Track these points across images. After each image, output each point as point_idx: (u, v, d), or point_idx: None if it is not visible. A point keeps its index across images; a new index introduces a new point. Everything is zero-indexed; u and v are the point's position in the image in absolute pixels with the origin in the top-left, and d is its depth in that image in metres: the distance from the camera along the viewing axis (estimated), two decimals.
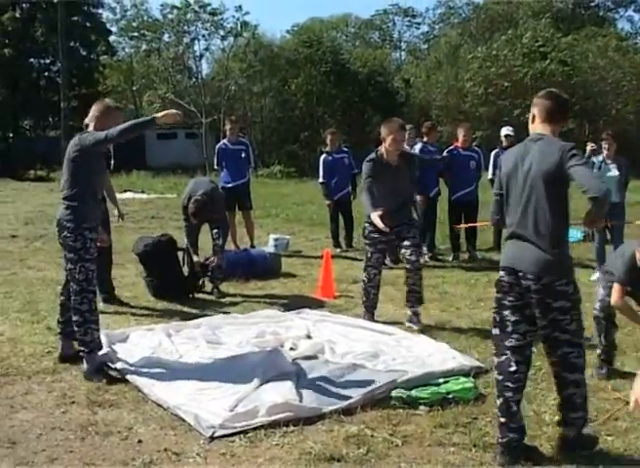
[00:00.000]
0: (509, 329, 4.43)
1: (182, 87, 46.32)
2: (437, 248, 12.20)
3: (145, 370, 5.94)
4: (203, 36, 46.00)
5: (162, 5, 45.94)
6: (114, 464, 4.42)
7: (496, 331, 4.52)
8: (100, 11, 47.56)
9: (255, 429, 4.86)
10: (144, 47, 48.82)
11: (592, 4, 55.31)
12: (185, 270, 9.25)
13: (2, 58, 40.26)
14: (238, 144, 12.55)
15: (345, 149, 13.12)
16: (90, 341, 6.00)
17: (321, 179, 12.76)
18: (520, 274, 4.33)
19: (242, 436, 4.77)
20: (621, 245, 6.36)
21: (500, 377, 4.46)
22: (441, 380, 5.66)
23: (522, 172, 4.38)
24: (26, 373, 6.02)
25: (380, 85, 45.55)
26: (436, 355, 6.36)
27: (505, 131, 12.36)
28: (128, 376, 5.84)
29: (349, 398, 5.31)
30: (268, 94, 45.26)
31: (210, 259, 9.22)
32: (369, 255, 7.67)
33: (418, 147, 11.84)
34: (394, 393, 5.43)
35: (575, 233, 12.17)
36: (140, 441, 4.75)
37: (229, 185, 12.02)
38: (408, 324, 7.50)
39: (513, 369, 4.41)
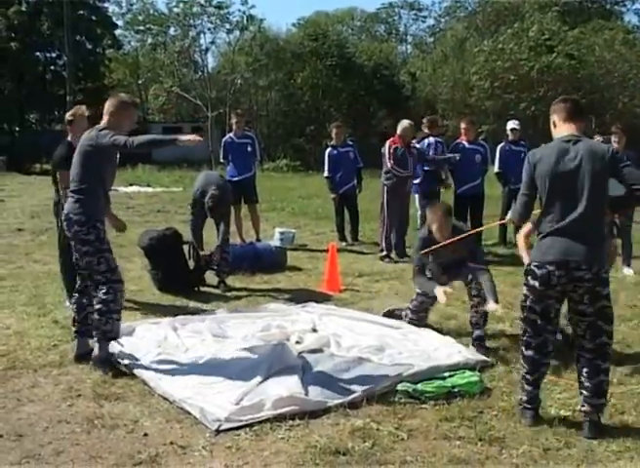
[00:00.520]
0: (552, 315, 4.84)
1: (188, 80, 46.41)
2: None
3: (151, 363, 5.94)
4: (209, 30, 46.11)
5: None
6: (120, 457, 4.42)
7: (533, 317, 4.84)
8: (105, 4, 47.70)
9: (260, 422, 4.86)
10: (150, 40, 48.88)
11: None
12: (191, 264, 9.25)
13: (8, 52, 40.32)
14: (244, 138, 12.54)
15: (351, 143, 13.11)
16: (109, 331, 5.96)
17: (326, 173, 12.76)
18: (573, 265, 4.63)
19: (248, 429, 4.78)
20: None
21: (538, 356, 4.89)
22: (447, 374, 5.66)
23: (568, 171, 4.66)
24: (33, 367, 6.03)
25: (386, 78, 45.51)
26: (442, 349, 6.35)
27: (512, 124, 12.37)
28: (134, 370, 5.84)
29: (355, 392, 5.31)
30: (274, 87, 45.29)
31: (215, 253, 9.21)
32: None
33: (430, 142, 11.85)
34: (400, 387, 5.43)
35: None
36: (145, 434, 4.76)
37: (235, 179, 12.01)
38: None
39: (548, 347, 4.90)
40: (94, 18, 45.53)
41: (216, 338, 6.63)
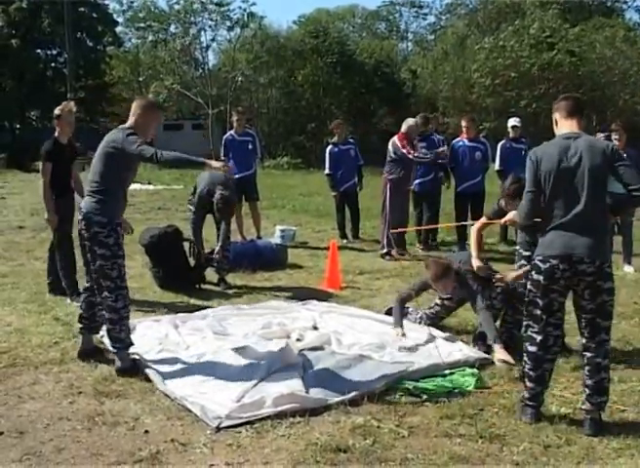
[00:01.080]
0: (555, 308, 4.86)
1: (189, 78, 46.31)
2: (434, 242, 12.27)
3: (152, 360, 5.95)
4: (210, 27, 45.97)
5: None
6: (121, 454, 4.43)
7: (537, 312, 4.87)
8: (106, 2, 47.62)
9: (261, 420, 4.87)
10: (151, 38, 48.74)
11: None
12: (191, 261, 9.25)
13: (9, 49, 40.32)
14: (245, 136, 12.55)
15: (352, 141, 13.11)
16: (125, 338, 5.93)
17: (327, 171, 12.77)
18: (576, 259, 4.69)
19: (248, 427, 4.79)
20: None
21: (541, 352, 4.90)
22: (447, 372, 5.67)
23: (571, 167, 4.72)
24: (34, 364, 6.04)
25: (387, 76, 45.46)
26: (442, 346, 6.35)
27: (512, 122, 12.36)
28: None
29: (355, 389, 5.32)
30: (275, 85, 45.21)
31: (216, 251, 9.21)
32: None
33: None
34: (400, 384, 5.44)
35: None
36: (146, 431, 4.77)
37: (236, 176, 11.99)
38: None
39: (551, 342, 4.90)
40: (94, 15, 45.50)
41: (216, 336, 6.63)
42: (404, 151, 11.02)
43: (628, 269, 10.08)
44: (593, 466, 4.33)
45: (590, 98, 35.33)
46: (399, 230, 10.79)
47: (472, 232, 6.83)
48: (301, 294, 8.53)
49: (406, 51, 65.80)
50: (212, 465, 4.31)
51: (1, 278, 9.44)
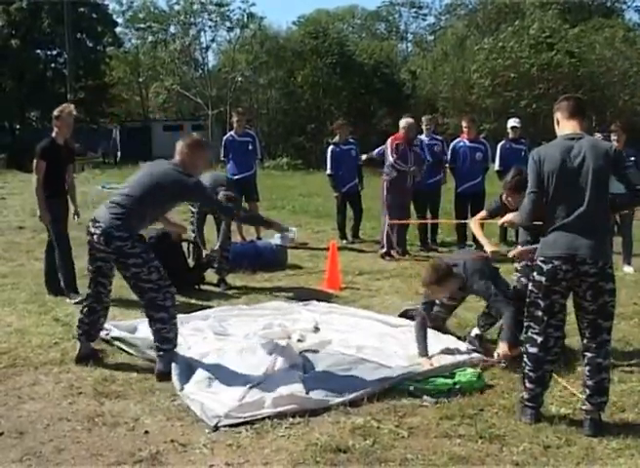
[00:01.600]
0: (556, 309, 4.86)
1: (189, 78, 46.39)
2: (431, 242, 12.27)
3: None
4: (209, 27, 46.07)
5: None
6: (121, 455, 4.43)
7: (538, 313, 4.87)
8: (106, 2, 47.70)
9: (261, 420, 4.87)
10: (151, 38, 48.85)
11: None
12: (191, 262, 9.25)
13: (9, 50, 40.36)
14: (245, 136, 12.56)
15: (352, 141, 13.08)
16: (172, 339, 5.87)
17: (329, 171, 12.73)
18: (579, 260, 4.69)
19: (248, 427, 4.79)
20: None
21: (541, 354, 4.90)
22: (448, 372, 5.67)
23: (574, 168, 4.72)
24: (34, 364, 6.04)
25: (387, 77, 45.45)
26: (443, 347, 6.35)
27: (512, 122, 12.36)
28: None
29: (355, 390, 5.31)
30: (274, 85, 45.23)
31: (214, 249, 9.19)
32: None
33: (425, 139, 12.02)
34: (400, 385, 5.44)
35: None
36: (146, 432, 4.77)
37: (236, 177, 11.99)
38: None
39: (552, 344, 4.91)
40: (94, 15, 45.53)
41: (217, 336, 6.63)
42: (390, 158, 11.22)
43: (628, 270, 10.08)
44: (593, 466, 4.33)
45: (590, 99, 35.31)
46: (395, 222, 10.81)
47: (473, 223, 6.89)
48: (301, 295, 8.53)
49: (405, 51, 65.85)
50: (212, 465, 4.31)
51: (1, 278, 9.44)
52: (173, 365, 5.71)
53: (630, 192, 4.78)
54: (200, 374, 5.60)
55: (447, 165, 12.31)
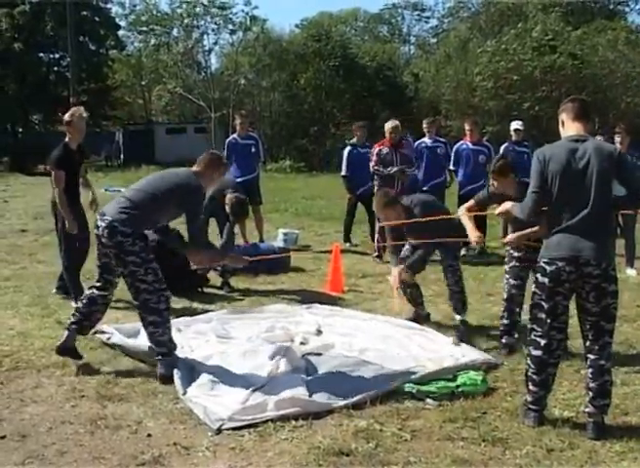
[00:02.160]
0: (560, 311, 4.86)
1: (191, 81, 46.33)
2: None
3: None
4: (212, 30, 45.98)
5: None
6: (123, 458, 4.43)
7: (542, 316, 4.87)
8: (108, 5, 47.76)
9: (264, 423, 4.87)
10: (153, 41, 48.77)
11: None
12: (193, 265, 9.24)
13: (12, 53, 40.41)
14: (248, 139, 12.57)
15: (368, 144, 12.78)
16: (167, 341, 5.88)
17: (344, 172, 12.48)
18: (582, 262, 4.70)
19: (251, 430, 4.79)
20: None
21: (545, 356, 4.90)
22: (451, 375, 5.67)
23: (579, 169, 4.74)
24: (36, 367, 6.05)
25: (389, 79, 45.45)
26: (446, 350, 6.34)
27: (515, 125, 12.34)
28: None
29: (358, 394, 5.31)
30: (277, 88, 45.19)
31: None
32: None
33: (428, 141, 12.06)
34: (403, 388, 5.43)
35: None
36: (149, 435, 4.77)
37: (239, 180, 11.96)
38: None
39: (555, 346, 4.91)
40: (97, 18, 45.61)
41: (220, 339, 6.63)
42: (370, 165, 11.42)
43: (631, 272, 10.06)
44: None
45: (593, 101, 35.19)
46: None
47: (461, 211, 6.98)
48: (304, 298, 8.53)
49: (408, 54, 65.79)
50: None
51: (4, 281, 9.45)
52: (174, 368, 5.71)
53: (631, 195, 4.80)
54: (202, 378, 5.60)
55: (450, 167, 12.29)
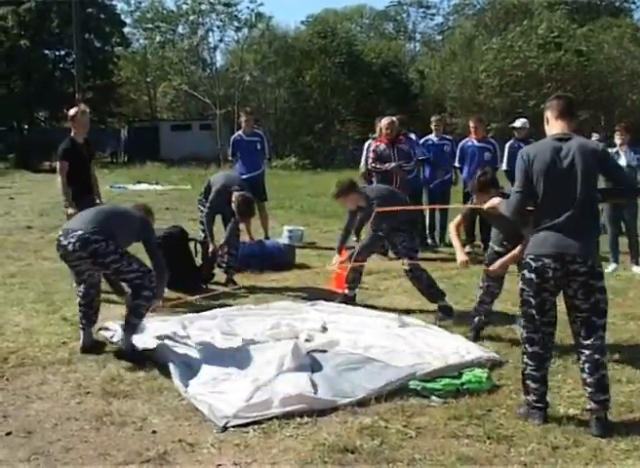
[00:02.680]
0: (547, 307, 4.88)
1: (197, 78, 46.41)
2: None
3: (162, 359, 5.96)
4: (217, 27, 46.03)
5: None
6: (128, 454, 4.44)
7: (531, 311, 4.90)
8: (114, 2, 47.84)
9: (269, 420, 4.87)
10: (159, 38, 48.87)
11: None
12: (198, 261, 9.24)
13: (18, 50, 40.48)
14: (253, 136, 12.56)
15: None
16: (144, 316, 6.30)
17: (363, 168, 12.24)
18: (568, 259, 4.73)
19: (256, 427, 4.79)
20: None
21: (542, 351, 4.94)
22: (456, 372, 5.66)
23: (564, 168, 4.76)
24: (42, 364, 6.06)
25: (395, 76, 45.48)
26: (451, 347, 6.34)
27: (518, 123, 12.30)
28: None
29: (363, 390, 5.30)
30: (283, 85, 45.23)
31: (221, 247, 9.17)
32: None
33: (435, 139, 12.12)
34: (408, 385, 5.43)
35: None
36: (154, 431, 4.77)
37: (244, 177, 11.95)
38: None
39: (547, 340, 4.95)
40: (102, 15, 45.70)
41: (225, 336, 6.63)
42: (367, 162, 11.45)
43: (637, 270, 10.04)
44: (601, 467, 4.32)
45: (598, 98, 35.31)
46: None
47: (451, 229, 7.15)
48: (309, 295, 8.53)
49: (413, 51, 65.87)
50: (219, 465, 4.31)
51: (9, 278, 9.46)
52: (171, 366, 5.73)
53: (618, 190, 5.00)
54: (206, 374, 5.61)
55: (455, 165, 12.26)
